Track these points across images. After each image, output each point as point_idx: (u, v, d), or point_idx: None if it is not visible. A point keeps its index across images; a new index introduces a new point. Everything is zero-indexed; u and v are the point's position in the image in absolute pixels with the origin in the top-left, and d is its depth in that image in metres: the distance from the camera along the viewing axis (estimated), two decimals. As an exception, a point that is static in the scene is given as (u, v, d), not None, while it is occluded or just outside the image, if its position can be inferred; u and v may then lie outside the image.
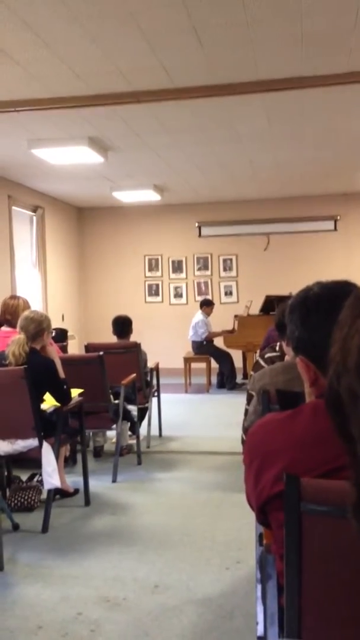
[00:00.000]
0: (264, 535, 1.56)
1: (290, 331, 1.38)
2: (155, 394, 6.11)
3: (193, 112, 5.35)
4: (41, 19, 3.55)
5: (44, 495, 4.04)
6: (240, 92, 4.71)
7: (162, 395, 6.39)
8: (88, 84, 4.58)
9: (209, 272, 10.56)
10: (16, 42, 3.85)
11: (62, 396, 4.00)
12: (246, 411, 2.90)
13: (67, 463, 4.82)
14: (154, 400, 6.07)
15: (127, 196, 9.18)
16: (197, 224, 10.41)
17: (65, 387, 4.01)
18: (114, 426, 4.95)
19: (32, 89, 4.65)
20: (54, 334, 5.10)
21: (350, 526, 0.90)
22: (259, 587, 1.96)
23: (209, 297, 10.15)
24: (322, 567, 1.21)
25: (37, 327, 3.92)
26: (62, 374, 4.06)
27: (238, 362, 9.26)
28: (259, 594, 1.96)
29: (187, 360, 9.11)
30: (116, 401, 4.92)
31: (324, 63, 4.30)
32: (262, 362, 3.10)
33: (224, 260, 10.49)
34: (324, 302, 1.34)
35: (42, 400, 4.04)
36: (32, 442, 3.82)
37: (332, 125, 5.93)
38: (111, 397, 4.88)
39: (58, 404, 4.00)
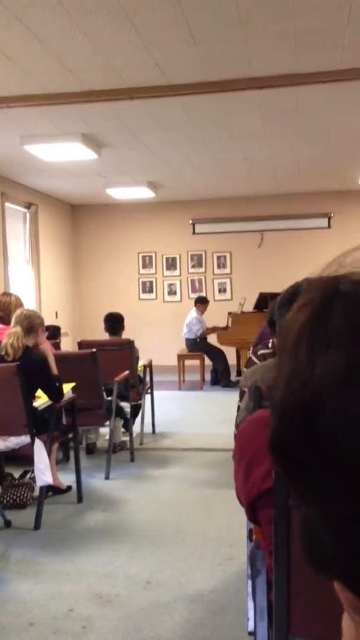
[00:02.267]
0: (253, 532, 1.56)
1: (279, 327, 1.38)
2: (149, 391, 6.11)
3: (187, 109, 5.34)
4: (33, 14, 3.53)
5: (36, 492, 4.03)
6: (233, 88, 4.71)
7: (156, 392, 6.39)
8: (81, 80, 4.56)
9: (202, 270, 10.55)
10: (8, 38, 3.83)
11: (55, 393, 3.99)
12: (239, 408, 2.90)
13: (60, 460, 4.82)
14: (147, 397, 6.06)
15: (121, 193, 9.16)
16: (191, 221, 10.40)
17: (58, 384, 4.01)
18: (107, 423, 4.94)
19: (25, 84, 4.63)
20: (47, 334, 5.10)
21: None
22: (250, 582, 1.96)
23: (203, 294, 10.15)
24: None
25: (30, 322, 3.92)
26: (55, 371, 4.06)
27: (232, 359, 9.26)
28: (250, 589, 1.96)
29: (181, 358, 9.11)
30: (109, 398, 4.91)
31: (318, 60, 4.30)
32: (254, 359, 3.10)
33: (218, 258, 10.49)
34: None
35: (35, 397, 4.04)
36: (25, 439, 3.82)
37: (325, 123, 5.93)
38: (104, 394, 4.87)
39: (51, 401, 4.00)
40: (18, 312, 4.05)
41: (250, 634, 2.27)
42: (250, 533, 1.77)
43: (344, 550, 0.38)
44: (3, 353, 3.81)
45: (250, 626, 2.03)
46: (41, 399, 4.09)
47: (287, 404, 0.39)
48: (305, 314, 0.39)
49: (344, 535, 0.38)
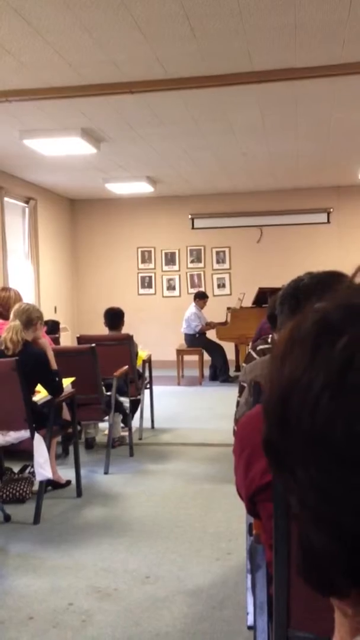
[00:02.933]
0: (253, 526, 1.56)
1: (280, 322, 1.38)
2: (148, 386, 6.11)
3: (186, 103, 5.33)
4: (33, 8, 3.51)
5: (35, 487, 4.04)
6: (233, 82, 4.69)
7: (155, 388, 6.39)
8: (81, 73, 4.55)
9: (202, 265, 10.54)
10: (8, 31, 3.81)
11: (54, 388, 3.99)
12: (238, 403, 2.90)
13: (60, 454, 4.82)
14: (146, 392, 6.07)
15: (120, 188, 9.14)
16: (190, 216, 10.39)
17: (57, 379, 4.01)
18: (106, 418, 4.95)
19: (24, 78, 4.62)
20: (46, 329, 5.09)
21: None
22: (249, 577, 1.96)
23: (202, 289, 10.14)
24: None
25: (29, 316, 3.92)
26: (54, 366, 4.06)
27: (231, 354, 9.27)
28: (249, 584, 1.96)
29: (180, 353, 9.11)
30: (108, 393, 4.91)
31: (318, 54, 4.29)
32: (254, 354, 3.10)
33: (217, 253, 10.48)
34: (314, 293, 1.33)
35: (35, 392, 4.04)
36: (24, 434, 3.82)
37: (325, 117, 5.91)
38: (103, 389, 4.88)
39: (50, 396, 4.00)
40: (16, 306, 4.05)
41: (249, 628, 2.27)
42: (250, 527, 1.78)
43: (325, 544, 0.43)
44: (3, 347, 3.81)
45: (250, 620, 2.04)
46: (40, 394, 4.09)
47: (268, 402, 0.46)
48: (286, 333, 0.47)
49: (324, 528, 0.42)
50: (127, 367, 5.22)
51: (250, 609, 2.06)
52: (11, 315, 4.00)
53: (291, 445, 0.43)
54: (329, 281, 1.35)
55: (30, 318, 3.93)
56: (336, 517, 0.42)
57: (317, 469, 0.41)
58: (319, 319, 0.45)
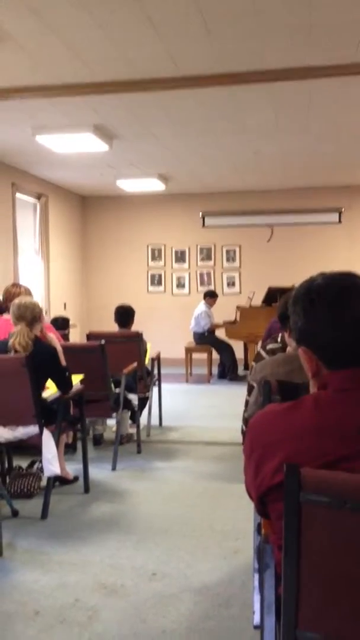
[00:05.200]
0: (262, 525, 1.56)
1: (293, 322, 1.38)
2: (156, 383, 6.12)
3: (199, 102, 5.32)
4: (47, 5, 3.52)
5: (43, 482, 4.05)
6: (246, 81, 4.68)
7: (163, 385, 6.40)
8: (94, 71, 4.55)
9: (211, 263, 10.54)
10: (22, 28, 3.82)
11: (63, 384, 4.01)
12: (247, 402, 2.90)
13: (68, 450, 4.84)
14: (155, 389, 6.08)
15: (132, 185, 9.15)
16: (201, 214, 10.38)
17: (67, 374, 4.02)
18: (115, 415, 4.96)
19: (38, 75, 4.63)
20: (46, 319, 5.07)
21: (349, 517, 0.90)
22: (257, 576, 1.96)
23: (212, 287, 10.14)
24: (321, 558, 1.21)
25: (32, 312, 3.91)
26: (63, 362, 4.07)
27: (239, 353, 9.26)
28: (257, 583, 1.96)
29: (189, 351, 9.12)
30: (117, 390, 4.92)
31: (332, 54, 4.27)
32: (263, 354, 3.09)
33: (227, 251, 10.47)
34: (328, 294, 1.33)
35: (45, 388, 4.05)
36: (33, 429, 3.84)
37: (338, 117, 5.89)
38: (112, 385, 4.89)
39: (60, 392, 4.02)
40: (17, 303, 3.95)
41: (255, 627, 2.28)
42: (258, 527, 1.78)
43: None
44: (13, 353, 3.79)
45: (256, 620, 2.04)
46: (50, 390, 4.11)
47: None
48: None
49: None
50: (136, 364, 5.22)
51: (257, 608, 2.06)
52: (12, 317, 3.92)
53: None
54: (342, 282, 1.35)
55: (34, 314, 3.92)
56: None
57: None
58: None
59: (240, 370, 9.11)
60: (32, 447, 4.01)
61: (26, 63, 4.39)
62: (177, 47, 4.14)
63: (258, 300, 9.09)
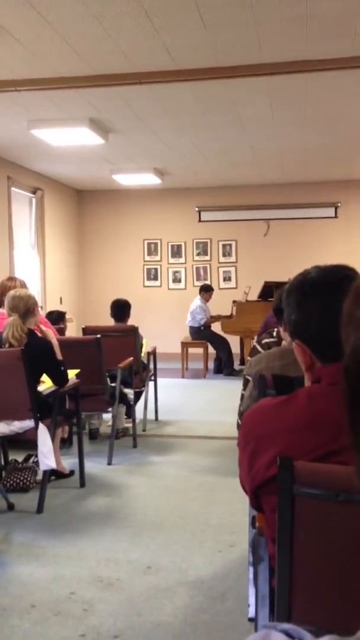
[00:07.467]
0: (256, 519, 1.57)
1: (286, 315, 1.38)
2: (152, 377, 6.12)
3: (195, 95, 5.30)
4: (43, -4, 3.50)
5: (39, 476, 4.05)
6: (243, 74, 4.67)
7: (159, 380, 6.40)
8: (90, 63, 4.53)
9: (208, 257, 10.53)
10: (18, 20, 3.80)
11: (59, 378, 4.00)
12: (242, 396, 2.90)
13: (64, 445, 4.84)
14: (151, 384, 6.07)
15: (127, 179, 9.13)
16: (197, 209, 10.36)
17: (62, 368, 4.01)
18: (110, 409, 4.96)
19: (33, 68, 4.60)
20: (42, 312, 5.06)
21: (341, 509, 0.91)
22: (251, 569, 1.97)
23: (208, 282, 10.13)
24: (314, 550, 1.21)
25: (26, 304, 3.89)
26: (59, 356, 4.06)
27: (235, 347, 9.26)
28: (251, 576, 1.97)
29: (185, 345, 9.12)
30: (113, 384, 4.92)
31: (329, 46, 4.26)
32: (259, 348, 3.09)
33: (224, 246, 10.46)
34: (321, 286, 1.33)
35: (40, 382, 4.04)
36: (29, 423, 3.83)
37: (335, 111, 5.88)
38: (108, 380, 4.88)
39: (55, 386, 4.01)
40: (10, 294, 3.93)
41: (250, 620, 2.29)
42: (253, 520, 1.78)
43: None
44: (7, 346, 3.78)
45: (251, 612, 2.05)
46: (45, 384, 4.10)
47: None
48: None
49: None
50: (131, 358, 5.22)
51: (252, 601, 2.07)
52: (5, 309, 3.91)
53: None
54: (336, 275, 1.35)
55: (28, 306, 3.90)
56: None
57: None
58: None
59: (236, 365, 9.12)
60: (27, 441, 4.01)
61: (21, 56, 4.36)
62: (173, 40, 4.12)
63: (254, 295, 9.09)
